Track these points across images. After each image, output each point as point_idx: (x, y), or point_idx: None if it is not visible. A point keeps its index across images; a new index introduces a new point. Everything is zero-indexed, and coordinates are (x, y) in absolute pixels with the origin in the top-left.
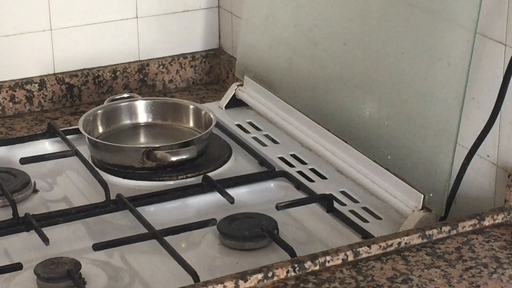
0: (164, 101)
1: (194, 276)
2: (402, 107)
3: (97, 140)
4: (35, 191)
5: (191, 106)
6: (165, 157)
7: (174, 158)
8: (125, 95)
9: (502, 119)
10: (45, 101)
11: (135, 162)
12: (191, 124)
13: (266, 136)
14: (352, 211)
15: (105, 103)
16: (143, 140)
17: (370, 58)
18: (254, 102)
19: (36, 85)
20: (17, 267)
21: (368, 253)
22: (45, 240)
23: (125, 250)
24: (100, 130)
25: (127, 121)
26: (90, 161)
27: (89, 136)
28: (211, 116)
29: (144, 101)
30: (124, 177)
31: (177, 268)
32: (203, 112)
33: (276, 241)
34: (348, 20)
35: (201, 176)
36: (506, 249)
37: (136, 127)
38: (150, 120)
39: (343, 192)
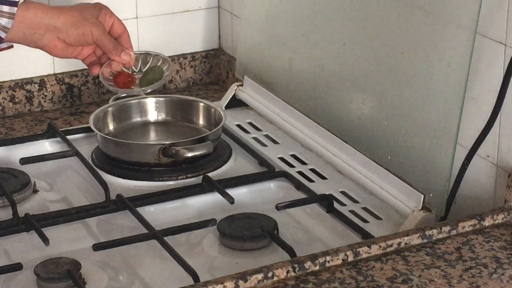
0: (174, 98)
1: (194, 276)
2: (402, 107)
3: (112, 138)
4: (35, 191)
5: (201, 104)
6: (182, 153)
7: (191, 154)
8: None
9: (502, 119)
10: (45, 101)
11: (151, 158)
12: (201, 121)
13: (266, 136)
14: (352, 211)
15: (110, 101)
16: (153, 137)
17: (370, 58)
18: (254, 102)
19: (36, 85)
20: (17, 267)
21: (368, 253)
22: (45, 240)
23: (125, 250)
24: (111, 127)
25: (137, 119)
26: (90, 161)
27: (102, 134)
28: (221, 113)
29: (154, 99)
30: (126, 177)
31: (177, 268)
32: (212, 109)
33: (276, 241)
34: (348, 20)
35: (201, 176)
36: (506, 249)
37: (146, 125)
38: (160, 117)
39: (343, 192)
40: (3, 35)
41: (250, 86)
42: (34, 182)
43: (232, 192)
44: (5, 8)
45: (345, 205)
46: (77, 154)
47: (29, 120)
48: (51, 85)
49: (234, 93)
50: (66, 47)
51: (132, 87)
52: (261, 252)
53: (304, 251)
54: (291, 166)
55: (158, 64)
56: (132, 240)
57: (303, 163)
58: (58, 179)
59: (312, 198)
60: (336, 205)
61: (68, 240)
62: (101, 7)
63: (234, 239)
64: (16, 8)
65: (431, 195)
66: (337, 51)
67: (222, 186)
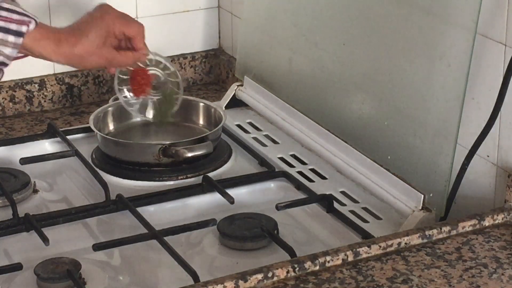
0: None
1: (194, 276)
2: (402, 107)
3: (112, 138)
4: (35, 191)
5: (201, 104)
6: (182, 153)
7: (191, 154)
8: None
9: (502, 119)
10: (45, 101)
11: (151, 158)
12: (201, 121)
13: (266, 136)
14: (352, 211)
15: (110, 101)
16: (153, 137)
17: (370, 58)
18: (254, 102)
19: (36, 85)
20: (17, 267)
21: (368, 253)
22: (45, 240)
23: (125, 250)
24: (111, 127)
25: (137, 119)
26: (90, 161)
27: (102, 134)
28: (221, 113)
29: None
30: (126, 177)
31: (177, 268)
32: (212, 109)
33: (276, 241)
34: (348, 20)
35: (201, 176)
36: (506, 249)
37: (146, 125)
38: None
39: (343, 192)
40: (7, 62)
41: (250, 86)
42: (34, 182)
43: (232, 192)
44: (11, 38)
45: (345, 205)
46: (77, 154)
47: (29, 120)
48: (51, 85)
49: (234, 93)
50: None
51: (148, 91)
52: (261, 252)
53: (304, 251)
54: (291, 166)
55: (168, 79)
56: (132, 240)
57: (303, 163)
58: (58, 179)
59: (312, 198)
60: (336, 205)
61: (68, 240)
62: (106, 27)
63: (234, 239)
64: (21, 39)
65: (431, 195)
66: (337, 51)
67: (222, 186)
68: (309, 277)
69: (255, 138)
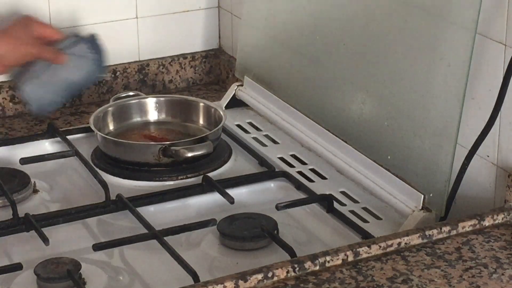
0: (173, 98)
1: (194, 276)
2: (402, 107)
3: (112, 138)
4: (35, 191)
5: (201, 104)
6: (182, 153)
7: (190, 154)
8: (131, 93)
9: (502, 119)
10: None
11: (151, 158)
12: (201, 121)
13: (266, 136)
14: (352, 211)
15: (110, 101)
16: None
17: (370, 58)
18: (254, 102)
19: None
20: (17, 267)
21: (368, 253)
22: (45, 240)
23: (125, 250)
24: (111, 127)
25: (137, 119)
26: (90, 161)
27: (102, 134)
28: (221, 113)
29: (154, 99)
30: (126, 177)
31: (177, 268)
32: (212, 109)
33: (276, 241)
34: (348, 20)
35: (201, 176)
36: (506, 249)
37: (146, 124)
38: (160, 117)
39: (343, 192)
40: None
41: (250, 86)
42: (34, 182)
43: (232, 192)
44: None
45: (345, 205)
46: (77, 154)
47: (29, 120)
48: None
49: (234, 93)
50: (9, 68)
51: None
52: (261, 252)
53: (304, 251)
54: (291, 166)
55: None
56: (132, 240)
57: (303, 163)
58: (58, 179)
59: (312, 198)
60: (336, 205)
61: (68, 240)
62: (29, 22)
63: (234, 239)
64: None
65: (431, 195)
66: (337, 51)
67: (222, 186)
68: (309, 277)
69: (255, 138)
